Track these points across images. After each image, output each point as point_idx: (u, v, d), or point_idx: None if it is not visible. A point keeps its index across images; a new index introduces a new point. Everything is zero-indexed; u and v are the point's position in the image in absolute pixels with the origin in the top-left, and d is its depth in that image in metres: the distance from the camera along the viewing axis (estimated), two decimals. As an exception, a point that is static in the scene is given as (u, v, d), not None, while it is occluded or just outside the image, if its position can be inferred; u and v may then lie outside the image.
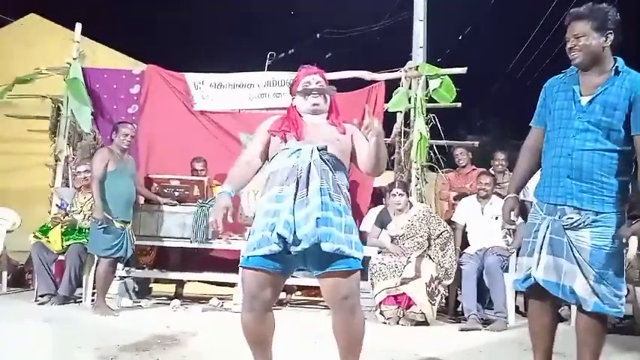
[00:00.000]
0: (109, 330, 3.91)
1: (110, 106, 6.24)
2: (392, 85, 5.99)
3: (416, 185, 5.64)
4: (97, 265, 4.79)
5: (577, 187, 2.41)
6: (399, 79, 5.96)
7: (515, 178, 2.73)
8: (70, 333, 3.77)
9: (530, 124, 2.70)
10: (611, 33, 2.43)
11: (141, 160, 5.86)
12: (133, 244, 4.84)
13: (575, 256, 2.38)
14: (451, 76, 5.79)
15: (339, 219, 2.26)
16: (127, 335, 3.61)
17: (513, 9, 13.45)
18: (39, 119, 6.53)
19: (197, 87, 6.21)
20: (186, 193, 5.41)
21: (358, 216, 5.61)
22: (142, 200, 5.36)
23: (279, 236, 2.17)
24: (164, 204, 5.28)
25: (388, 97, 5.94)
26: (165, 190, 5.39)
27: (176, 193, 5.39)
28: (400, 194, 4.88)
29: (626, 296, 2.47)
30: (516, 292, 4.81)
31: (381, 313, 4.55)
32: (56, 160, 6.09)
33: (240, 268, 2.36)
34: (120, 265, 5.03)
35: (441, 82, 5.75)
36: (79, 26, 6.32)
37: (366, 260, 4.88)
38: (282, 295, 5.51)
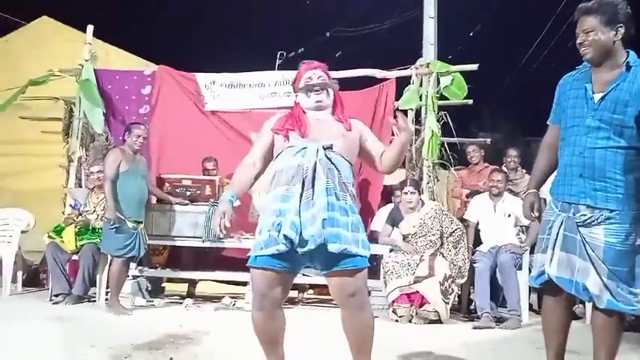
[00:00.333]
0: (123, 329, 3.93)
1: (122, 107, 6.29)
2: (403, 83, 5.97)
3: (428, 183, 5.61)
4: (110, 264, 4.83)
5: (590, 186, 2.38)
6: (410, 76, 5.93)
7: (535, 175, 2.71)
8: (84, 332, 3.80)
9: (548, 122, 2.68)
10: (621, 26, 2.39)
11: (153, 160, 5.90)
12: (145, 244, 4.87)
13: (588, 253, 2.36)
14: (462, 72, 5.75)
15: (346, 218, 2.26)
16: (140, 334, 3.64)
17: (525, 4, 13.35)
18: (52, 121, 6.58)
19: (208, 87, 6.24)
20: (198, 192, 5.43)
21: (369, 214, 5.60)
22: (154, 200, 5.39)
23: (286, 237, 2.17)
24: (176, 204, 5.31)
25: (399, 95, 5.92)
26: (177, 190, 5.42)
27: (188, 193, 5.41)
28: (412, 192, 4.86)
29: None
30: (530, 290, 4.77)
31: (394, 311, 4.54)
32: (69, 161, 6.14)
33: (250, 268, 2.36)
34: (133, 265, 5.06)
35: (452, 79, 5.71)
36: (90, 28, 6.38)
37: (378, 259, 4.90)
38: (295, 294, 5.52)
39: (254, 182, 2.49)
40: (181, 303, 5.15)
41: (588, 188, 2.39)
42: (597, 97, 2.41)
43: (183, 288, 5.91)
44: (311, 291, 5.89)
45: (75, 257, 5.15)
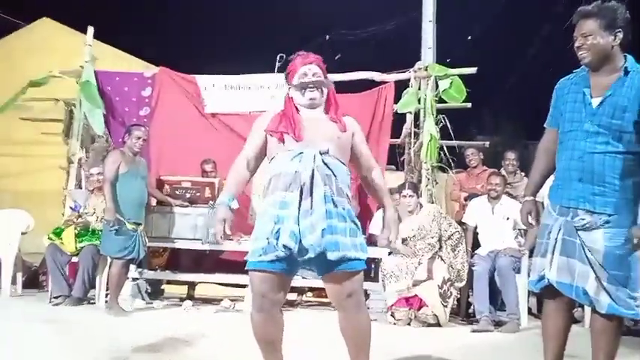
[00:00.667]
0: (122, 331, 3.94)
1: (122, 109, 6.30)
2: (401, 86, 5.99)
3: (426, 186, 5.63)
4: (110, 266, 4.83)
5: (589, 190, 2.38)
6: (409, 79, 5.95)
7: (531, 181, 2.70)
8: (84, 334, 3.81)
9: (545, 126, 2.68)
10: (620, 31, 2.39)
11: (152, 162, 5.90)
12: (145, 246, 4.88)
13: (587, 257, 2.35)
14: (461, 76, 5.77)
15: (344, 224, 2.26)
16: (139, 336, 3.65)
17: (523, 8, 13.38)
18: (52, 122, 6.60)
19: (208, 89, 6.24)
20: (198, 194, 5.44)
21: (368, 217, 5.60)
22: (153, 202, 5.40)
23: (285, 247, 2.18)
24: (176, 206, 5.32)
25: (398, 98, 5.94)
26: (177, 192, 5.43)
27: (187, 195, 5.42)
28: (410, 195, 4.87)
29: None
30: (529, 294, 4.78)
31: (392, 314, 4.55)
32: (69, 163, 6.15)
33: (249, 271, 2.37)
34: (132, 267, 5.07)
35: (451, 83, 5.73)
36: (91, 30, 6.39)
37: (377, 262, 4.90)
38: (294, 297, 5.53)
39: (249, 180, 2.48)
40: (181, 305, 5.16)
41: (587, 193, 2.39)
42: (595, 101, 2.41)
43: (182, 290, 5.91)
44: (310, 294, 5.89)
45: (74, 259, 5.15)
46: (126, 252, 4.68)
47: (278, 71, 6.59)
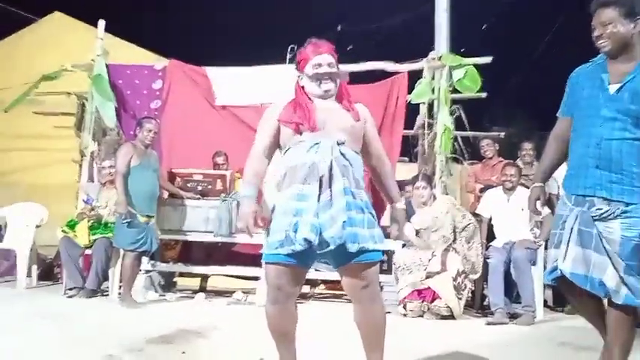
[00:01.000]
0: (135, 323, 3.95)
1: (133, 102, 6.31)
2: (415, 76, 5.90)
3: (440, 177, 5.56)
4: (122, 258, 4.85)
5: (606, 178, 2.34)
6: (422, 69, 5.87)
7: (541, 168, 2.68)
8: (97, 325, 3.84)
9: (557, 115, 2.63)
10: None
11: (164, 155, 5.91)
12: (157, 238, 4.89)
13: (605, 248, 2.31)
14: (476, 65, 5.68)
15: (362, 216, 2.24)
16: (152, 328, 3.65)
17: (539, -4, 13.16)
18: (65, 116, 6.63)
19: (218, 81, 6.23)
20: (209, 187, 5.44)
21: (381, 209, 5.55)
22: (165, 195, 5.41)
23: (305, 240, 2.15)
24: (187, 198, 5.32)
25: (411, 89, 5.86)
26: (189, 185, 5.43)
27: (199, 188, 5.42)
28: (424, 187, 4.82)
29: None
30: (544, 286, 4.71)
31: (404, 306, 4.51)
32: (82, 156, 6.18)
33: (264, 262, 2.35)
34: (145, 259, 5.09)
35: (465, 72, 5.63)
36: (102, 23, 6.39)
37: (390, 254, 4.86)
38: (307, 289, 5.51)
39: (266, 171, 2.43)
40: (193, 297, 5.18)
41: (604, 180, 2.34)
42: (613, 88, 2.37)
43: (195, 282, 5.93)
44: (323, 286, 5.87)
45: (88, 251, 5.19)
46: (138, 244, 4.69)
47: (289, 62, 6.55)
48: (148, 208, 4.77)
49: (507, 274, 4.61)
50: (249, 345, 3.23)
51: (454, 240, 4.71)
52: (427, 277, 4.48)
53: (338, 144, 2.27)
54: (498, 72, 6.09)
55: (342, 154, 2.27)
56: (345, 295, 5.18)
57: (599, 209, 2.33)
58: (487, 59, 5.72)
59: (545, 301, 4.85)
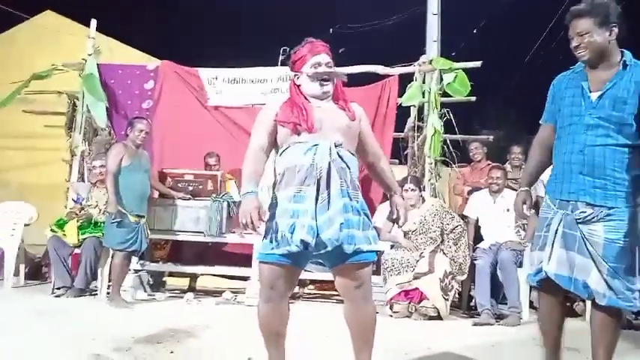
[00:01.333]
0: (124, 322, 3.95)
1: (125, 102, 6.31)
2: (405, 80, 5.95)
3: (429, 180, 5.61)
4: (112, 258, 4.85)
5: (590, 183, 2.38)
6: (413, 73, 5.92)
7: (527, 172, 2.72)
8: (86, 325, 3.83)
9: (540, 122, 2.68)
10: (615, 26, 2.39)
11: (155, 155, 5.91)
12: (147, 238, 4.89)
13: (588, 250, 2.35)
14: (465, 69, 5.74)
15: (358, 217, 2.26)
16: (141, 327, 3.66)
17: (529, 1, 13.28)
18: (55, 115, 6.60)
19: (211, 82, 6.25)
20: (200, 187, 5.45)
21: (371, 210, 5.57)
22: (156, 194, 5.41)
23: (302, 241, 2.16)
24: (178, 198, 5.33)
25: (402, 92, 5.91)
26: (179, 185, 5.44)
27: (190, 188, 5.43)
28: (412, 189, 4.86)
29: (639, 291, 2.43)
30: (530, 287, 4.76)
31: (391, 307, 4.55)
32: (72, 155, 6.16)
33: (257, 262, 2.36)
34: (135, 259, 5.09)
35: (455, 76, 5.69)
36: (94, 22, 6.39)
37: (378, 255, 4.89)
38: (295, 289, 5.53)
39: (264, 169, 2.40)
40: (182, 297, 5.17)
41: (588, 185, 2.39)
42: (594, 95, 2.42)
43: (184, 282, 5.93)
44: (311, 286, 5.90)
45: (77, 251, 5.17)
46: (128, 244, 4.70)
47: (281, 64, 6.58)
48: (138, 208, 4.77)
49: (494, 276, 4.66)
50: (238, 344, 3.25)
51: (442, 242, 4.75)
52: (415, 278, 4.52)
53: (335, 146, 2.28)
54: (488, 76, 6.16)
55: (339, 156, 2.28)
56: (334, 295, 5.21)
57: (582, 212, 2.37)
58: (477, 64, 5.79)
59: (531, 302, 4.89)
